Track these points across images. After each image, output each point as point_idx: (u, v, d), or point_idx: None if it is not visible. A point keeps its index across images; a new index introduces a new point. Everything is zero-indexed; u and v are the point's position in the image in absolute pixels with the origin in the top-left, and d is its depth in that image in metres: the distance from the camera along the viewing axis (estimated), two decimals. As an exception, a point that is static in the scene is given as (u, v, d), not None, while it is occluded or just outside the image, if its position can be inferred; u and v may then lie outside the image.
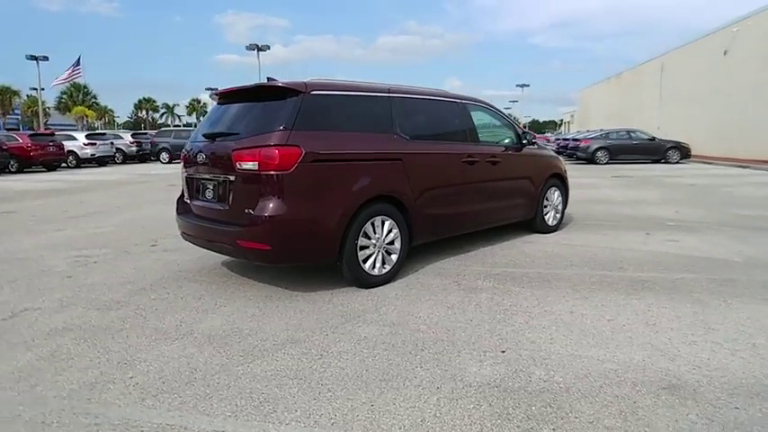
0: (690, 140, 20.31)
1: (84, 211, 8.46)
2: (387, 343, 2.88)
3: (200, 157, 3.95)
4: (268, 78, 4.24)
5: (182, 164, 4.39)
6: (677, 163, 19.16)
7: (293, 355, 2.76)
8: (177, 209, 4.46)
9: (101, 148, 22.38)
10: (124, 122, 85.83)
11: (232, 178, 3.66)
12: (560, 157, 6.72)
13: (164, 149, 24.20)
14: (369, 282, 3.92)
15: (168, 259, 5.05)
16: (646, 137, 19.71)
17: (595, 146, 19.64)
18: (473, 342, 2.87)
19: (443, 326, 3.13)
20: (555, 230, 6.15)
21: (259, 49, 44.90)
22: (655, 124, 26.54)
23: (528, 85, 66.95)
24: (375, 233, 3.93)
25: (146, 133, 30.09)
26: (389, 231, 4.04)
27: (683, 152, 19.21)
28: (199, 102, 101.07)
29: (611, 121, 38.05)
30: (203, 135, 4.07)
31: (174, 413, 2.18)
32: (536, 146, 5.91)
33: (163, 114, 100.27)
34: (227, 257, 4.96)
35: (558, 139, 25.79)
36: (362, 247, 3.86)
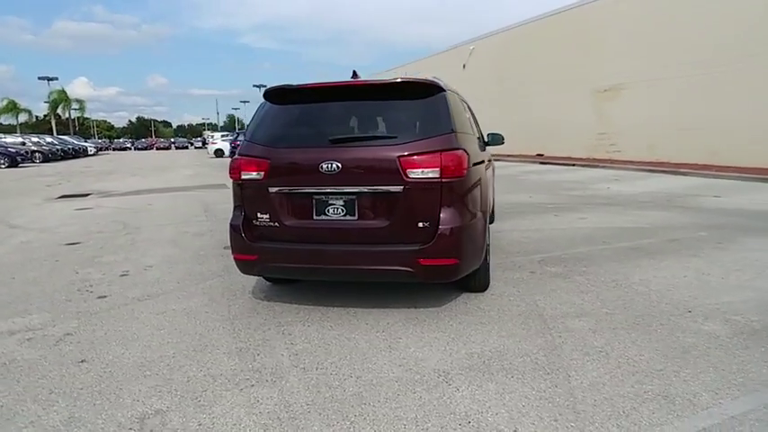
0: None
1: None
2: (618, 328, 3.15)
3: (326, 167, 3.22)
4: (354, 72, 3.76)
5: (249, 177, 3.43)
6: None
7: (594, 359, 2.77)
8: (244, 235, 3.47)
9: None
10: None
11: (396, 189, 3.17)
12: None
13: None
14: (488, 284, 3.96)
15: (225, 316, 3.82)
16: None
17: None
18: (660, 312, 3.40)
19: (615, 306, 3.54)
20: (493, 221, 7.07)
21: None
22: None
23: (266, 86, 67.92)
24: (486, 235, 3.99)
25: None
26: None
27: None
28: None
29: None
30: (331, 140, 3.33)
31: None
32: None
33: None
34: (249, 287, 4.12)
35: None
36: (484, 250, 3.88)
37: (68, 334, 3.41)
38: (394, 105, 3.44)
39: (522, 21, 21.77)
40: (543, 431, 2.13)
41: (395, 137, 3.26)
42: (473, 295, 3.88)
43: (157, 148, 69.78)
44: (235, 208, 3.66)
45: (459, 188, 3.23)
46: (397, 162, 3.15)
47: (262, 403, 2.44)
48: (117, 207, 10.04)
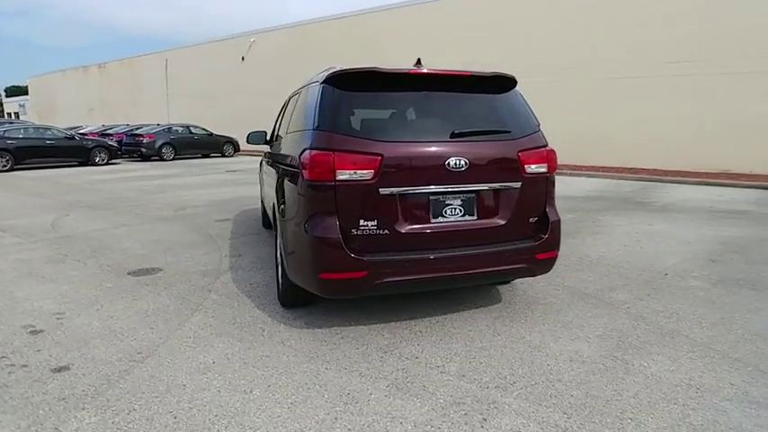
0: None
1: None
2: (651, 294, 3.86)
3: (454, 163, 2.94)
4: (418, 60, 3.49)
5: (348, 176, 2.84)
6: (232, 156, 21.65)
7: (677, 319, 3.33)
8: (347, 249, 2.83)
9: None
10: None
11: (516, 185, 3.13)
12: None
13: None
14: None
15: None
16: (205, 132, 21.01)
17: (161, 141, 19.23)
18: (651, 278, 4.29)
19: (617, 278, 4.29)
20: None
21: None
22: (163, 117, 27.82)
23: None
24: None
25: None
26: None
27: (236, 146, 21.89)
28: None
29: (95, 113, 35.93)
30: (455, 133, 3.01)
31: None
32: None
33: None
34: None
35: None
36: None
37: (112, 435, 2.18)
38: (478, 98, 3.33)
39: (310, 19, 22.18)
40: (755, 382, 2.56)
41: (509, 131, 3.21)
42: (504, 287, 4.07)
43: None
44: (312, 216, 2.92)
45: (554, 182, 3.41)
46: (517, 157, 3.13)
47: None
48: None
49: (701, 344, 3.01)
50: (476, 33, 16.08)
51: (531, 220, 3.25)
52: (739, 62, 11.57)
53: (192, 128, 20.78)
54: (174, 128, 20.30)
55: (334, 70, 3.13)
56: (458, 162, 2.96)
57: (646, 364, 2.76)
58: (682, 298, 3.79)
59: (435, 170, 2.95)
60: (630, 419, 2.26)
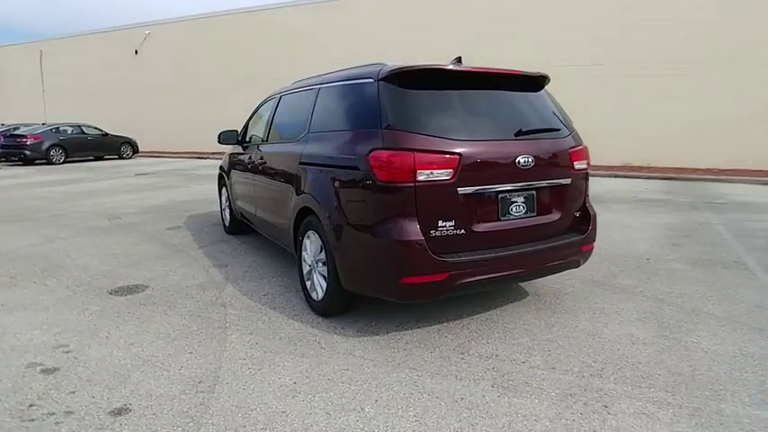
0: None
1: None
2: (651, 278, 4.28)
3: (523, 161, 3.04)
4: (458, 58, 3.50)
5: (429, 177, 2.77)
6: (131, 158, 19.67)
7: (689, 299, 3.72)
8: (429, 249, 2.77)
9: None
10: None
11: (566, 182, 3.28)
12: None
13: None
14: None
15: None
16: (100, 132, 18.81)
17: (48, 143, 16.91)
18: (638, 263, 4.74)
19: (612, 265, 4.69)
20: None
21: None
22: (39, 116, 24.60)
23: None
24: None
25: None
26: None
27: (134, 147, 19.92)
28: None
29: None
30: (523, 131, 3.11)
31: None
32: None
33: None
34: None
35: None
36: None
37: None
38: (527, 96, 3.42)
39: (215, 12, 20.89)
40: (782, 347, 2.98)
41: (558, 129, 3.35)
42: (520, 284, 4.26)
43: None
44: (387, 219, 2.81)
45: (589, 178, 3.62)
46: (568, 154, 3.30)
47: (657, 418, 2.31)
48: None
49: (725, 318, 3.41)
50: (406, 31, 16.36)
51: (576, 214, 3.44)
52: (637, 64, 13.18)
53: (84, 127, 18.52)
54: (63, 128, 17.92)
55: (394, 67, 3.04)
56: (526, 160, 3.04)
57: (696, 341, 3.07)
58: (677, 279, 4.25)
59: (506, 168, 3.01)
60: (723, 390, 2.51)
